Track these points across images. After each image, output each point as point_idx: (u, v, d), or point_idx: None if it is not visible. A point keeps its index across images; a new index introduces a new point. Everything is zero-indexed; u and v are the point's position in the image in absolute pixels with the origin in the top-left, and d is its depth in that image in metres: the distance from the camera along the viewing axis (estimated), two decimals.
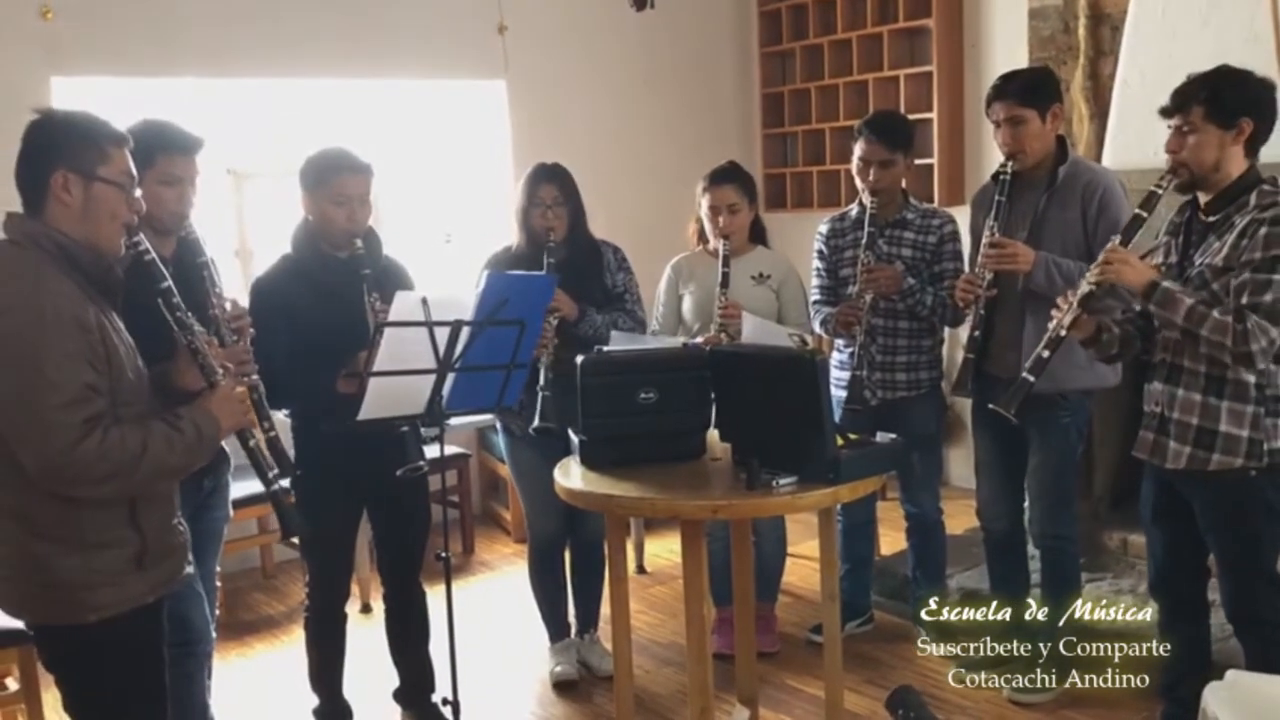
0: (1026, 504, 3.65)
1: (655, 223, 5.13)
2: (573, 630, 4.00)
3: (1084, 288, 2.94)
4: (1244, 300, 2.67)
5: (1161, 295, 2.79)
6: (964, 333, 3.50)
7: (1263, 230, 2.67)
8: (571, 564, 3.96)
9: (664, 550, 5.09)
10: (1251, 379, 2.74)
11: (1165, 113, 2.84)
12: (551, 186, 3.62)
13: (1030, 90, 3.35)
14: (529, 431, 3.43)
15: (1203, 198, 2.85)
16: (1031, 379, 3.04)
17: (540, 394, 3.38)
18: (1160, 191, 2.87)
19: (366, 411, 2.64)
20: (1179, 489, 2.91)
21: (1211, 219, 2.82)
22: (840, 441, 2.80)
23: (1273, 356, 2.70)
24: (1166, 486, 2.95)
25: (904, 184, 3.90)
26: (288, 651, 4.22)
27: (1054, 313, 3.01)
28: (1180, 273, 2.88)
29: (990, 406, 3.16)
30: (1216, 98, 2.74)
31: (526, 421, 3.64)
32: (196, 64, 4.87)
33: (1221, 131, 2.74)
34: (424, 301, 2.61)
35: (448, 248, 5.72)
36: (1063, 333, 2.98)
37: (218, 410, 2.35)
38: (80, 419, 2.11)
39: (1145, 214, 2.91)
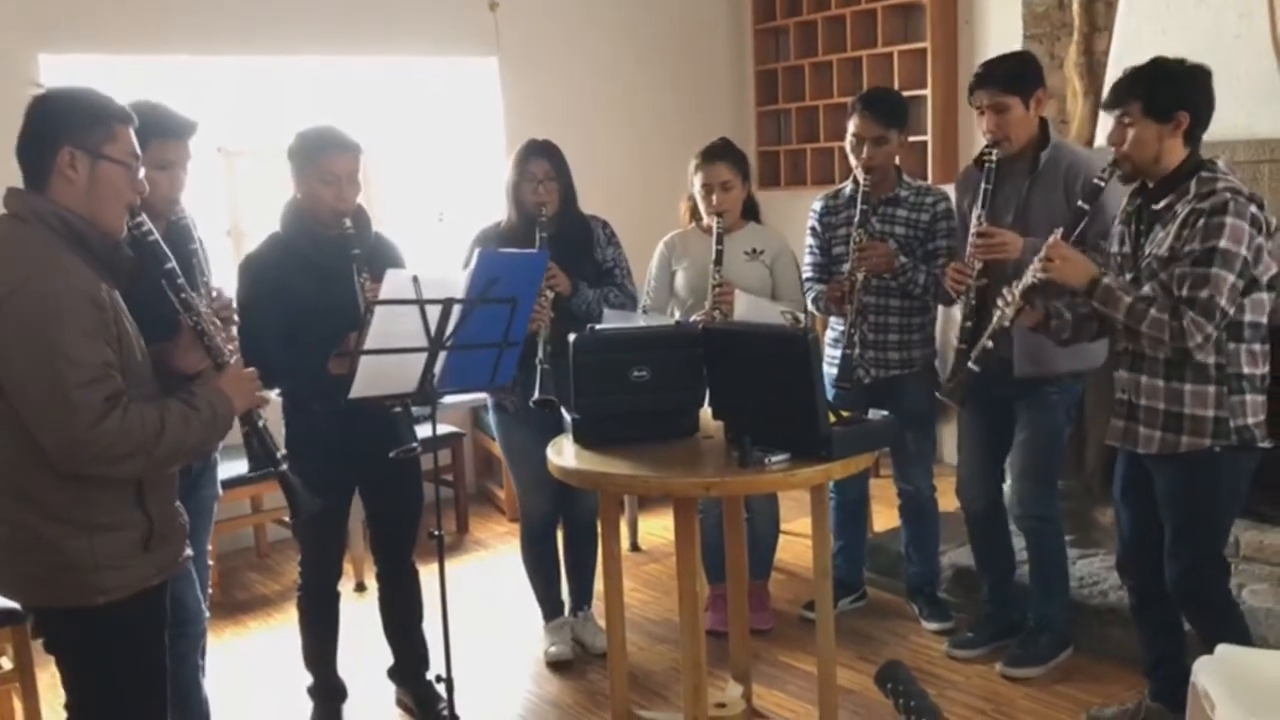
0: (1006, 484, 3.67)
1: (648, 199, 5.13)
2: (567, 608, 4.01)
3: (1027, 279, 2.99)
4: (1182, 293, 2.72)
5: (1102, 292, 2.85)
6: (957, 314, 3.48)
7: (1201, 221, 2.72)
8: (565, 542, 3.97)
9: (658, 528, 5.10)
10: (1211, 360, 2.78)
11: (1105, 107, 2.92)
12: (543, 161, 3.61)
13: (1013, 77, 3.33)
14: (529, 404, 3.40)
15: (1149, 184, 2.90)
16: (976, 369, 3.11)
17: (539, 366, 3.36)
18: (1103, 184, 2.94)
19: (358, 390, 2.63)
20: (1148, 467, 2.95)
21: (1157, 207, 2.86)
22: (832, 419, 2.80)
23: (1215, 343, 2.75)
24: (1137, 464, 2.99)
25: (898, 161, 3.89)
26: (282, 630, 4.23)
27: (999, 303, 3.05)
28: (1134, 262, 2.91)
29: (936, 395, 3.19)
30: (1151, 94, 2.79)
31: (522, 397, 3.64)
32: (187, 41, 4.83)
33: (1159, 125, 2.80)
34: (415, 280, 2.59)
35: (441, 225, 5.70)
36: (1006, 323, 3.04)
37: (229, 389, 2.36)
38: (101, 397, 2.10)
39: (1087, 207, 2.97)
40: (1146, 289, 2.83)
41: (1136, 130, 2.81)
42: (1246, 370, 2.80)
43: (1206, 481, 2.85)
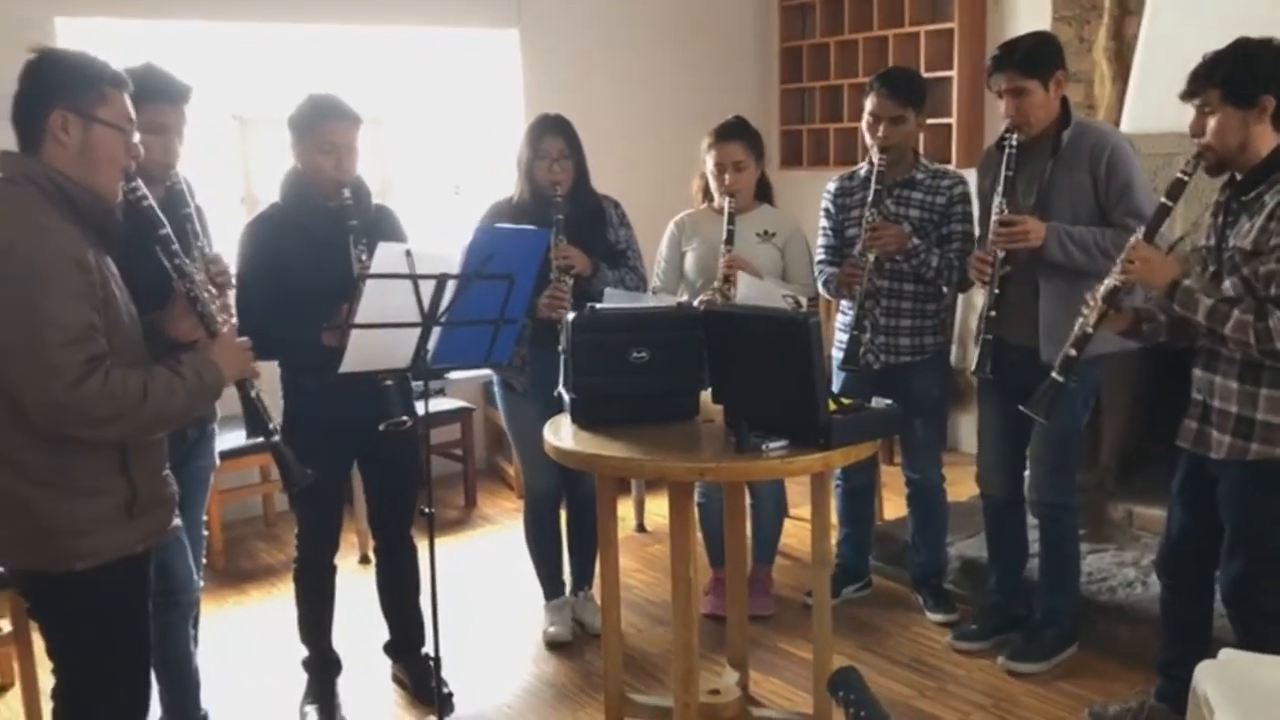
0: (1026, 473, 3.60)
1: (671, 177, 5.03)
2: (568, 588, 3.98)
3: (1109, 282, 2.83)
4: (1271, 291, 2.56)
5: (1182, 295, 2.70)
6: (977, 299, 3.39)
7: None
8: (568, 521, 3.94)
9: (665, 509, 5.05)
10: None
11: (1182, 97, 2.72)
12: (558, 139, 3.55)
13: (1032, 60, 3.21)
14: (552, 395, 3.24)
15: (1238, 175, 2.73)
16: (1061, 379, 2.94)
17: (563, 356, 3.11)
18: (1187, 179, 2.74)
19: (349, 364, 2.60)
20: (1210, 468, 2.82)
21: (1246, 198, 2.69)
22: (834, 406, 2.74)
23: None
24: (1198, 465, 2.86)
25: (919, 144, 3.80)
26: (284, 601, 4.21)
27: (1083, 309, 2.91)
28: (1217, 255, 2.76)
29: (1020, 409, 3.06)
30: (1232, 79, 2.62)
31: (530, 378, 3.60)
32: (203, 6, 4.79)
33: (1242, 112, 2.63)
34: (408, 254, 2.55)
35: (457, 199, 5.66)
36: (1089, 330, 2.88)
37: (220, 358, 2.34)
38: (83, 358, 2.09)
39: (1171, 204, 2.78)
40: (1228, 284, 2.67)
41: (1218, 119, 2.64)
42: None
43: (1271, 491, 2.71)
